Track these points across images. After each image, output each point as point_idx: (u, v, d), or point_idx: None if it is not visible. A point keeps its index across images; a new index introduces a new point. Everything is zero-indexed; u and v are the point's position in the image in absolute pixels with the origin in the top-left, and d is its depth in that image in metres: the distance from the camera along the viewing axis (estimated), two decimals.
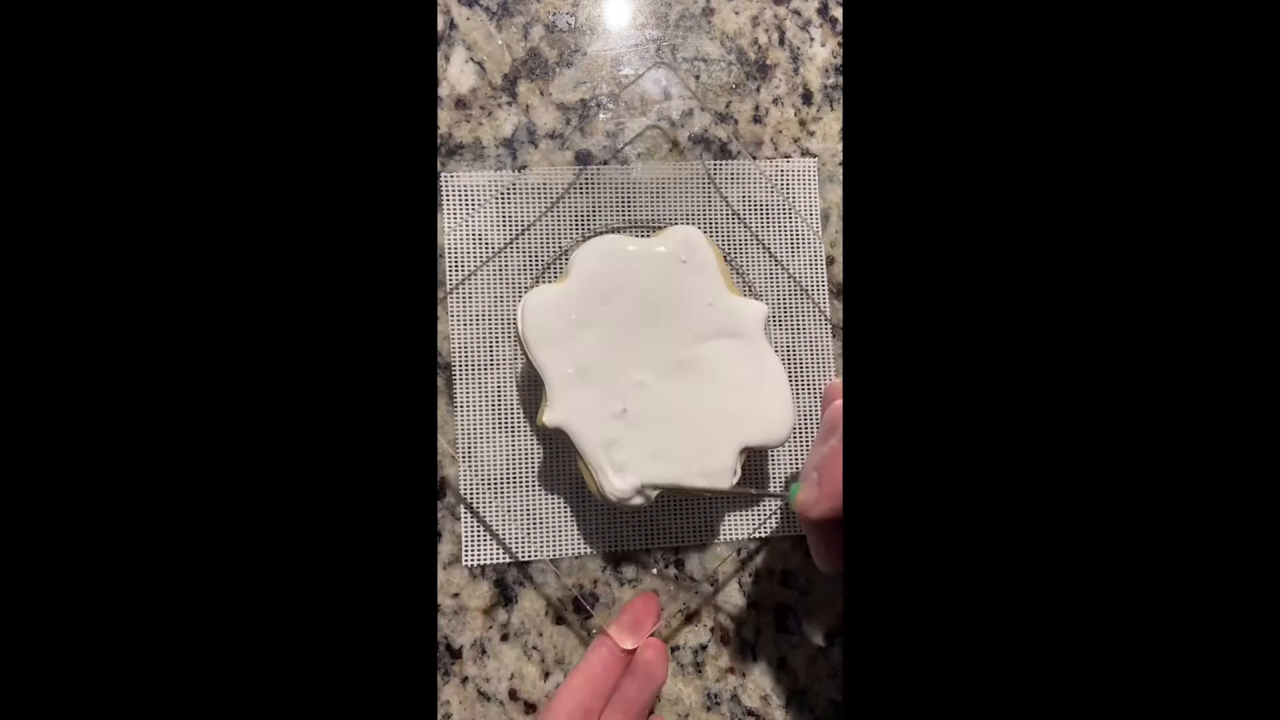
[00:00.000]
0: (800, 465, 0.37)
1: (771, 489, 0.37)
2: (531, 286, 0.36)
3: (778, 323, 0.38)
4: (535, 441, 0.36)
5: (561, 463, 0.36)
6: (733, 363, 0.33)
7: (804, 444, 0.38)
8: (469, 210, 0.37)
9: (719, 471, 0.32)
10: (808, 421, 0.38)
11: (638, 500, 0.32)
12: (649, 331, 0.33)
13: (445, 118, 0.37)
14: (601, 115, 0.38)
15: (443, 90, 0.37)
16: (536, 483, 0.36)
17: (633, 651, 0.33)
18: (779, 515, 0.37)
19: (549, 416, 0.32)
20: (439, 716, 0.35)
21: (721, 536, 0.36)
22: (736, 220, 0.38)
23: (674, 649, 0.36)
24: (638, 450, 0.32)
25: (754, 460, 0.37)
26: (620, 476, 0.32)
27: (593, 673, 0.32)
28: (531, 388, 0.36)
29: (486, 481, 0.36)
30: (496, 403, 0.36)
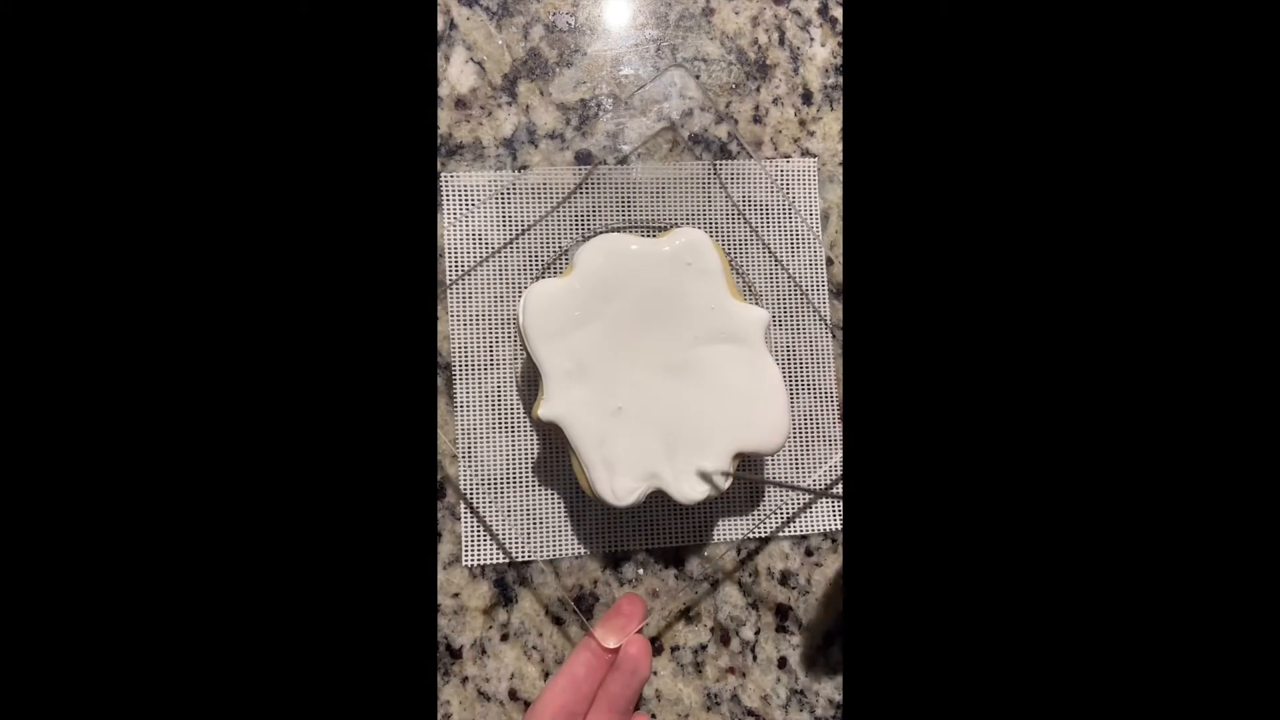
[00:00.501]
0: (795, 471, 0.37)
1: (763, 501, 0.37)
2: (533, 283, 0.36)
3: (778, 323, 0.38)
4: (535, 441, 0.36)
5: (562, 463, 0.36)
6: (731, 367, 0.33)
7: (799, 449, 0.38)
8: (469, 210, 0.37)
9: (712, 474, 0.32)
10: (806, 423, 0.38)
11: (628, 499, 0.32)
12: (649, 332, 0.33)
13: (445, 118, 0.37)
14: (602, 115, 0.38)
15: (443, 90, 0.37)
16: (536, 483, 0.36)
17: (617, 651, 0.33)
18: (779, 515, 0.37)
19: (544, 410, 0.32)
20: (439, 716, 0.35)
21: (721, 536, 0.36)
22: (736, 220, 0.38)
23: (674, 649, 0.36)
24: (631, 449, 0.32)
25: (749, 466, 0.37)
26: (611, 474, 0.32)
27: (576, 675, 0.32)
28: (532, 387, 0.36)
29: (486, 481, 0.36)
30: (496, 402, 0.36)
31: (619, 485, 0.32)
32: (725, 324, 0.33)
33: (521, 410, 0.36)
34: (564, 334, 0.32)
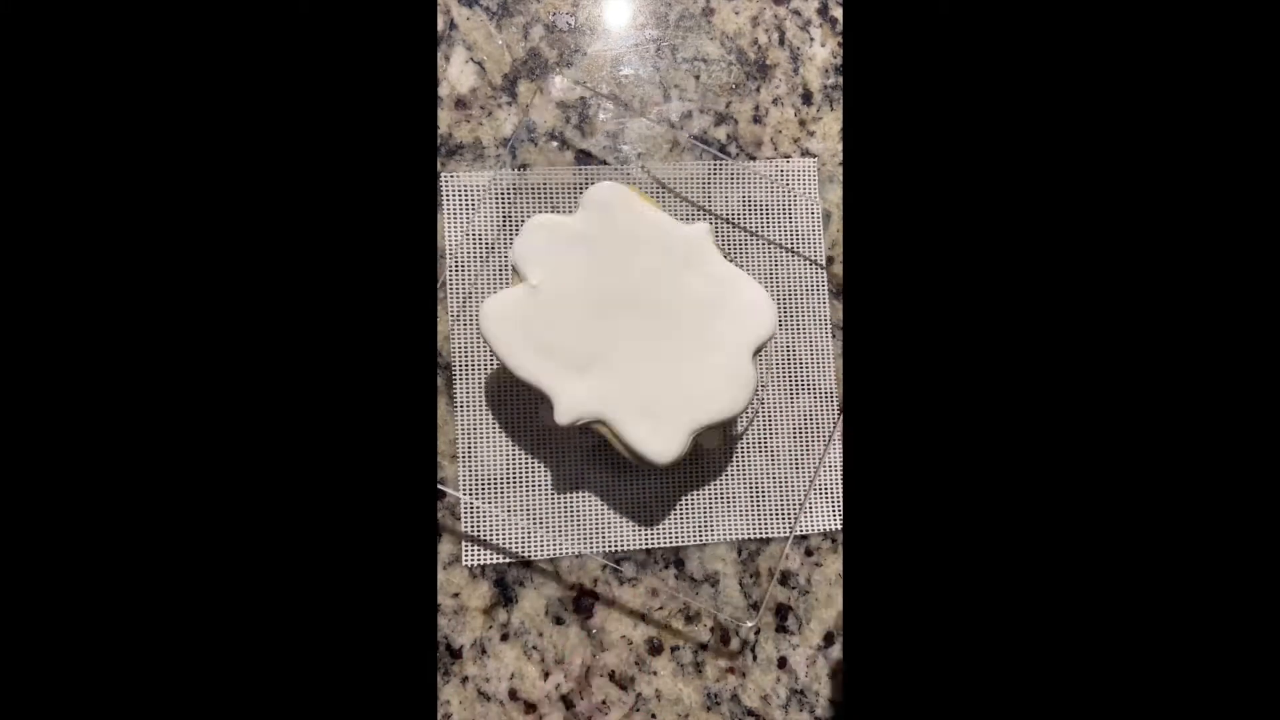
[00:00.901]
0: (795, 470, 0.37)
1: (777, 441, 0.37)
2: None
3: (778, 323, 0.38)
4: (535, 441, 0.36)
5: (562, 462, 0.36)
6: (698, 287, 0.33)
7: (799, 449, 0.38)
8: (469, 210, 0.37)
9: (738, 379, 0.32)
10: (807, 423, 0.38)
11: (677, 451, 0.32)
12: (612, 299, 0.32)
13: (445, 118, 0.37)
14: (602, 116, 0.38)
15: (443, 90, 0.37)
16: (536, 483, 0.36)
17: None
18: (778, 515, 0.37)
19: (561, 417, 0.32)
20: (439, 716, 0.35)
21: (721, 536, 0.37)
22: (736, 221, 0.38)
23: (674, 649, 0.36)
24: (658, 400, 0.32)
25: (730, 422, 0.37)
26: (655, 431, 0.32)
27: None
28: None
29: (486, 481, 0.36)
30: (496, 403, 0.36)
31: (666, 439, 0.32)
32: (674, 248, 0.33)
33: (522, 410, 0.36)
34: (535, 341, 0.32)
